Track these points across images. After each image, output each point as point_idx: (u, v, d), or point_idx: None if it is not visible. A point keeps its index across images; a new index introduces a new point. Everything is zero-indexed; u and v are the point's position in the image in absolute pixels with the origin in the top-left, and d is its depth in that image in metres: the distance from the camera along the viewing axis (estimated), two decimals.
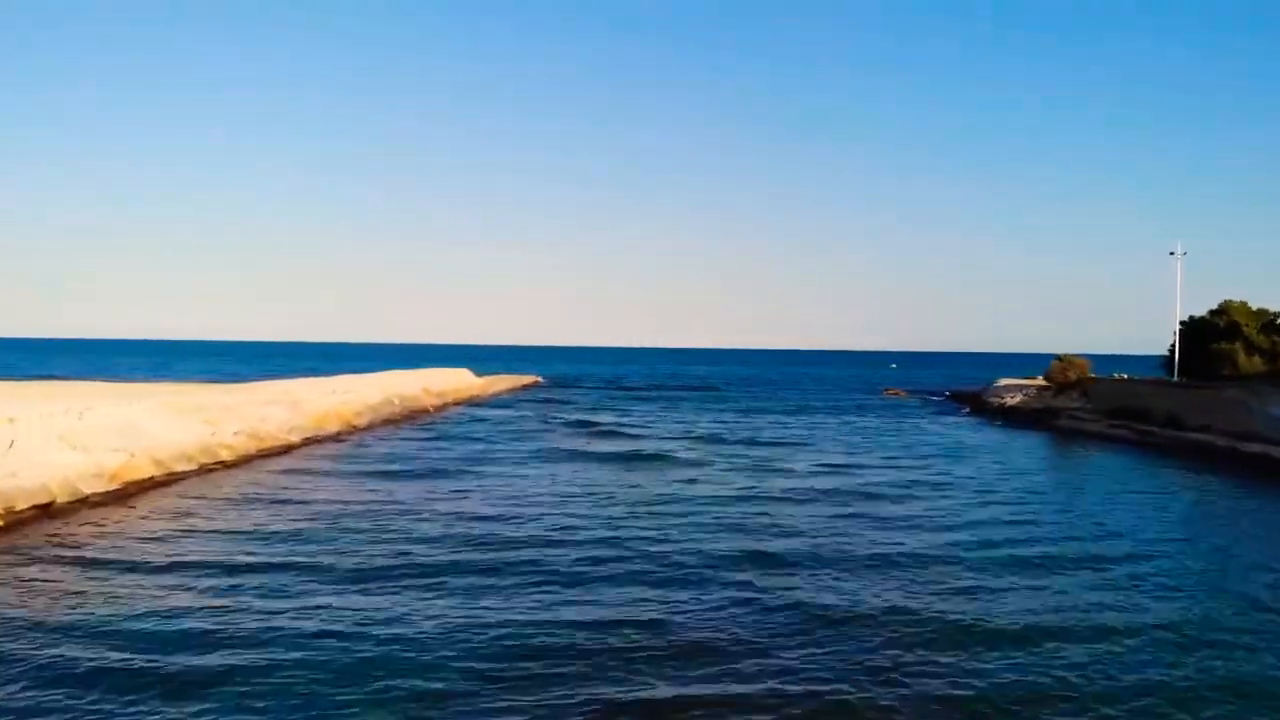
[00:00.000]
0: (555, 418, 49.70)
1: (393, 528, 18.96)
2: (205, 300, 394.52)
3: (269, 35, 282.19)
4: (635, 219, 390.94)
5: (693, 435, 41.24)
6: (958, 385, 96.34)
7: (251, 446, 31.58)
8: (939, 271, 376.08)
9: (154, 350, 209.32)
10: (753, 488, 25.65)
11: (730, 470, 29.46)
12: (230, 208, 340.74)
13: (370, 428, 41.97)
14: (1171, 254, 53.81)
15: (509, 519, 20.24)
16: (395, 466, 29.02)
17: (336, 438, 37.45)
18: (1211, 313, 55.24)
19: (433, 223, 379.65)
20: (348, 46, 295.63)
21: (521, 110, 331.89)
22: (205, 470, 27.68)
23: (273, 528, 18.87)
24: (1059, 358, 54.25)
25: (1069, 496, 25.71)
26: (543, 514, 20.84)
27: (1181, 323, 54.38)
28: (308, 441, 35.26)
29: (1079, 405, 51.52)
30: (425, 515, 20.49)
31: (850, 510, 22.32)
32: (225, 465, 28.87)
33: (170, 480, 25.70)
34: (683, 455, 33.27)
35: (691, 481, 26.79)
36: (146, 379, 68.11)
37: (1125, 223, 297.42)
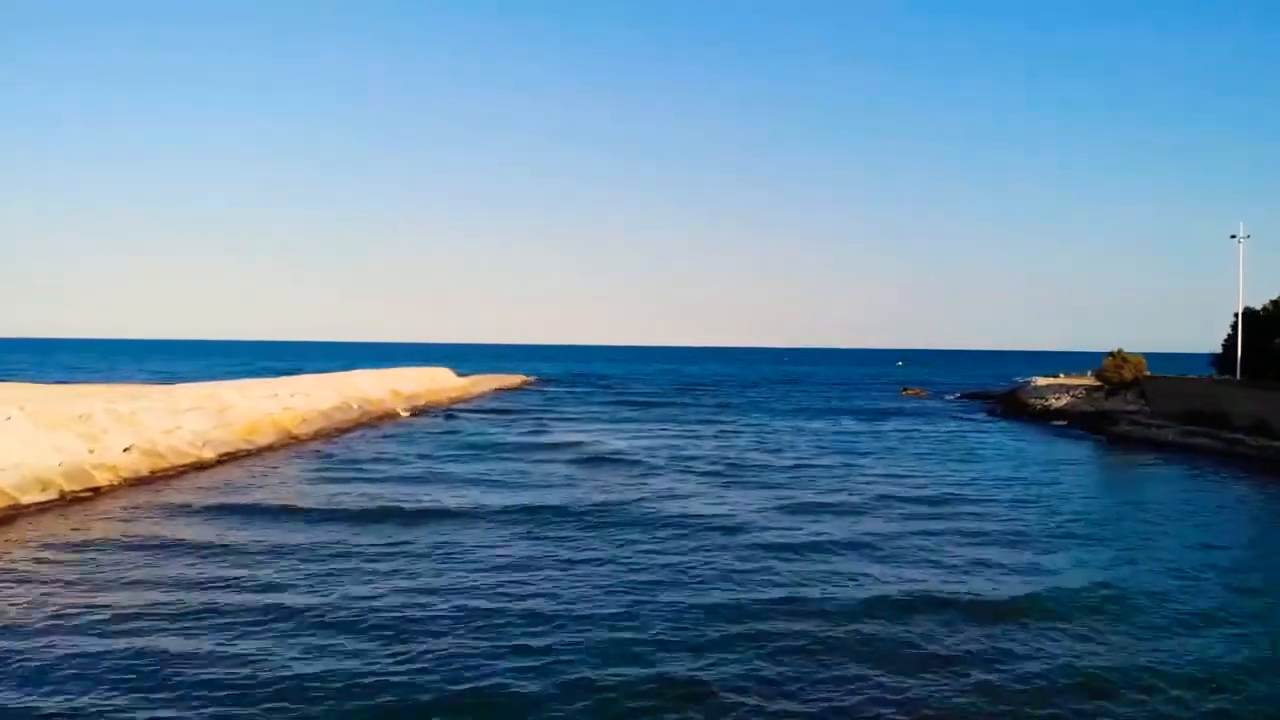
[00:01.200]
0: (536, 431, 41.42)
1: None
2: (196, 300, 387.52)
3: (257, 28, 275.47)
4: (635, 216, 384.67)
5: (705, 459, 32.21)
6: (975, 384, 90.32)
7: (144, 466, 25.08)
8: (941, 268, 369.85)
9: (128, 350, 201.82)
10: (808, 580, 15.23)
11: (770, 538, 18.59)
12: (218, 205, 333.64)
13: (316, 438, 35.48)
14: (1233, 237, 47.20)
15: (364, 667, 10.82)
16: (274, 535, 18.24)
17: (264, 452, 30.94)
18: (1275, 303, 48.99)
19: (437, 221, 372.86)
20: (333, 36, 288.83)
21: (517, 103, 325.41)
22: (68, 501, 21.22)
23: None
24: (1112, 354, 47.83)
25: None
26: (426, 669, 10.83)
27: (1240, 316, 48.02)
28: (227, 459, 28.74)
29: (1137, 408, 45.15)
30: (225, 662, 10.92)
31: (1008, 641, 12.08)
32: (99, 492, 22.39)
33: (10, 516, 19.29)
34: (698, 509, 21.87)
35: (707, 582, 15.14)
36: (87, 380, 61.59)
37: (1139, 216, 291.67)
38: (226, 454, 29.10)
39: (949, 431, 44.52)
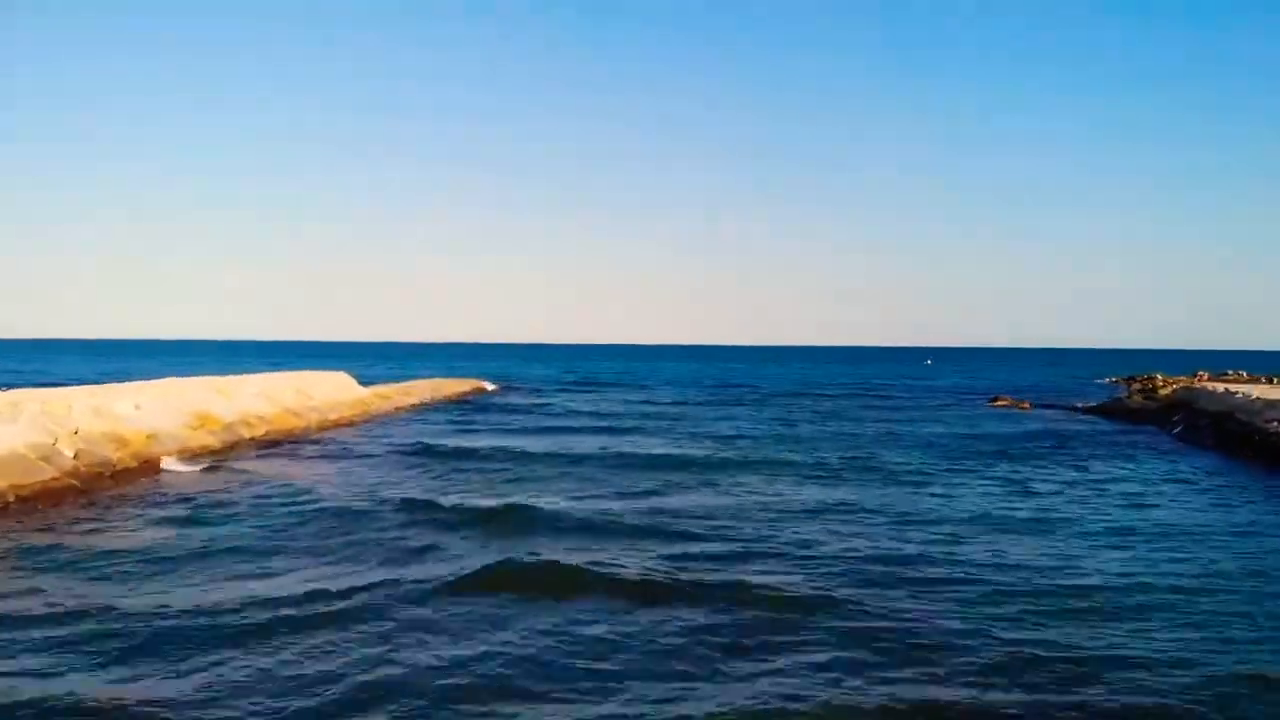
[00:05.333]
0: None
1: None
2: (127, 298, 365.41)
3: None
4: (635, 214, 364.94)
5: None
6: (1041, 388, 71.36)
7: None
8: (947, 264, 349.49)
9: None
10: None
11: None
12: (153, 199, 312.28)
13: None
14: None
15: None
16: None
17: None
18: None
19: (429, 219, 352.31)
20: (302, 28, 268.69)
21: (506, 95, 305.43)
22: None
23: None
24: None
25: None
26: None
27: None
28: None
29: None
30: None
31: None
32: None
33: None
34: None
35: None
36: None
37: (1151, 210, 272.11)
38: None
39: (1232, 506, 24.03)
